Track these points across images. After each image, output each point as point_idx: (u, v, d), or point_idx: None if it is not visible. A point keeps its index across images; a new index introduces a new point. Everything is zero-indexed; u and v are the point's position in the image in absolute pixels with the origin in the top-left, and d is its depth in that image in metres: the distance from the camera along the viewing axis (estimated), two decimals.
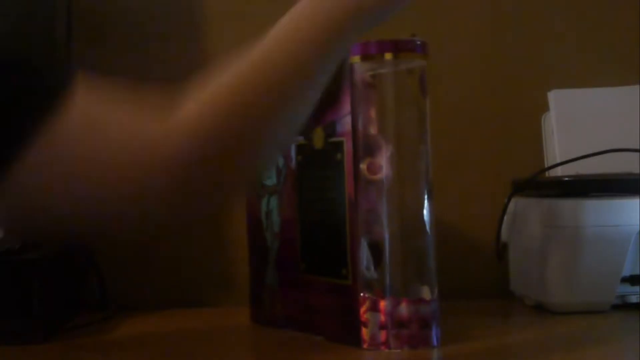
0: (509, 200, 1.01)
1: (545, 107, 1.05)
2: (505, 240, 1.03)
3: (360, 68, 0.77)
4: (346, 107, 0.77)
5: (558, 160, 1.01)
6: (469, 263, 1.10)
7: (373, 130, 0.77)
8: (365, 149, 0.77)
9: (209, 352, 0.81)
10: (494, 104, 1.13)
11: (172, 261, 1.08)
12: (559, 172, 0.99)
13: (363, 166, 0.77)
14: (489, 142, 1.12)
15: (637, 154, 0.96)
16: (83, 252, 1.03)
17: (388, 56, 0.77)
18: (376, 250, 0.76)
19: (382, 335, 0.76)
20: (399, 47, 0.77)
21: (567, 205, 0.91)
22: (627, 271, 0.92)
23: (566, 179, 0.95)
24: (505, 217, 1.01)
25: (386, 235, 0.76)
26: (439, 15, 1.13)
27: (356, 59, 0.77)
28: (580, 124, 1.03)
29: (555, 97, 1.04)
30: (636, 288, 0.93)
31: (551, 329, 0.88)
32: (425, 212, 0.77)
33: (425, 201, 0.77)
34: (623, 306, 0.93)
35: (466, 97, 1.13)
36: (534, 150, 1.06)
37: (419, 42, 0.78)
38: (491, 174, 1.10)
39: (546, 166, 1.03)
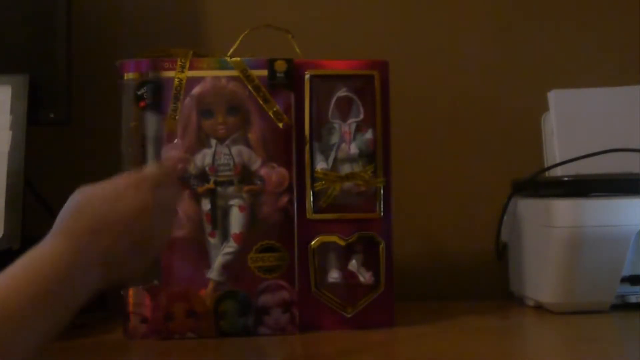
0: (509, 200, 1.01)
1: (545, 107, 1.05)
2: (505, 240, 1.03)
3: None
4: None
5: (558, 160, 1.01)
6: (469, 263, 1.10)
7: None
8: None
9: (208, 351, 0.81)
10: (494, 104, 1.13)
11: None
12: (558, 172, 0.99)
13: None
14: (489, 142, 1.13)
15: (637, 154, 0.96)
16: None
17: None
18: None
19: None
20: None
21: (567, 205, 0.91)
22: (627, 271, 0.92)
23: (566, 179, 0.95)
24: (505, 217, 1.01)
25: None
26: (439, 15, 1.14)
27: None
28: (580, 124, 1.03)
29: (555, 97, 1.04)
30: (636, 288, 0.93)
31: (551, 329, 0.88)
32: None
33: None
34: (623, 306, 0.94)
35: (466, 97, 1.13)
36: (534, 150, 1.06)
37: None
38: (491, 174, 1.10)
39: (546, 166, 1.03)
